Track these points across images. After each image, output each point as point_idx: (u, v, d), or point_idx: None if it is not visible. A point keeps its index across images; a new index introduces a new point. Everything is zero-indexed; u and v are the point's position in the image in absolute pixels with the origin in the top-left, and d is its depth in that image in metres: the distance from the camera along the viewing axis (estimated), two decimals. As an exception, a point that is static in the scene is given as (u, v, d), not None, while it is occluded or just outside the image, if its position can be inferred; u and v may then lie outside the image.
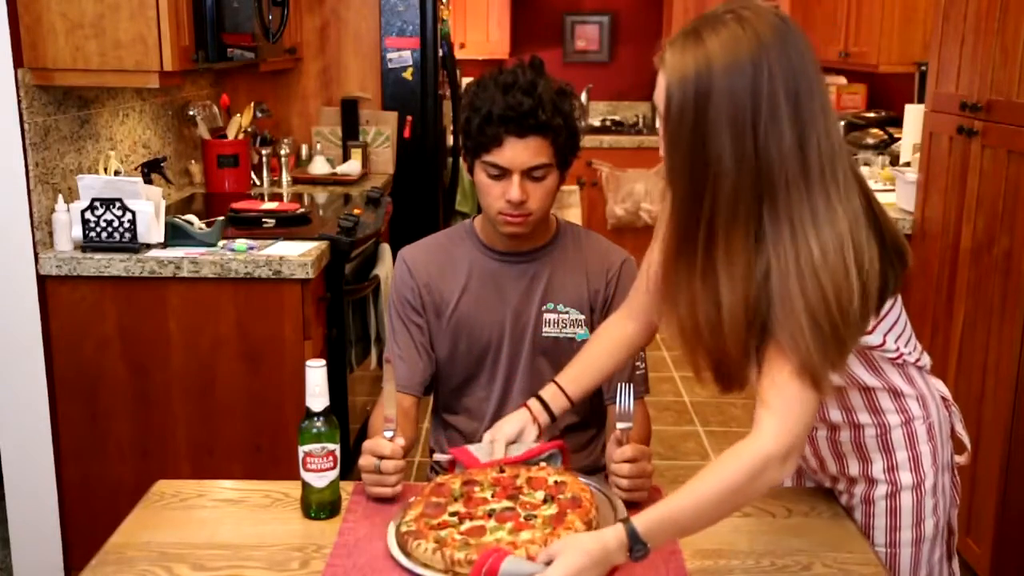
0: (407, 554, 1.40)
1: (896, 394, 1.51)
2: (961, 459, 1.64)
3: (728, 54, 1.24)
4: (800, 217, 1.26)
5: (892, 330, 1.47)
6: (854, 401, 1.52)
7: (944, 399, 1.60)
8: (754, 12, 1.27)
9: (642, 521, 1.29)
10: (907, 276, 1.39)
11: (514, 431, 1.65)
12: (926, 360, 1.56)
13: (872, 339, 1.43)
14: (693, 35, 1.27)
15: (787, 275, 1.26)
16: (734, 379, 1.39)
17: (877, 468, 1.54)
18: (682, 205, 1.31)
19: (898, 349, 1.48)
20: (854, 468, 1.57)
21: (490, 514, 1.46)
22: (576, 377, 1.70)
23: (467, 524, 1.44)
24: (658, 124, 1.33)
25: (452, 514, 1.47)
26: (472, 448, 1.67)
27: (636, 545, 1.28)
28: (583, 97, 6.18)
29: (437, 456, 1.86)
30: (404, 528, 1.44)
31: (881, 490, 1.55)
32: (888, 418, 1.52)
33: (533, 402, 1.69)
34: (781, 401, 1.30)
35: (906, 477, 1.53)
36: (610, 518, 1.46)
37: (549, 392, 1.68)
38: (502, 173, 1.74)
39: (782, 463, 1.29)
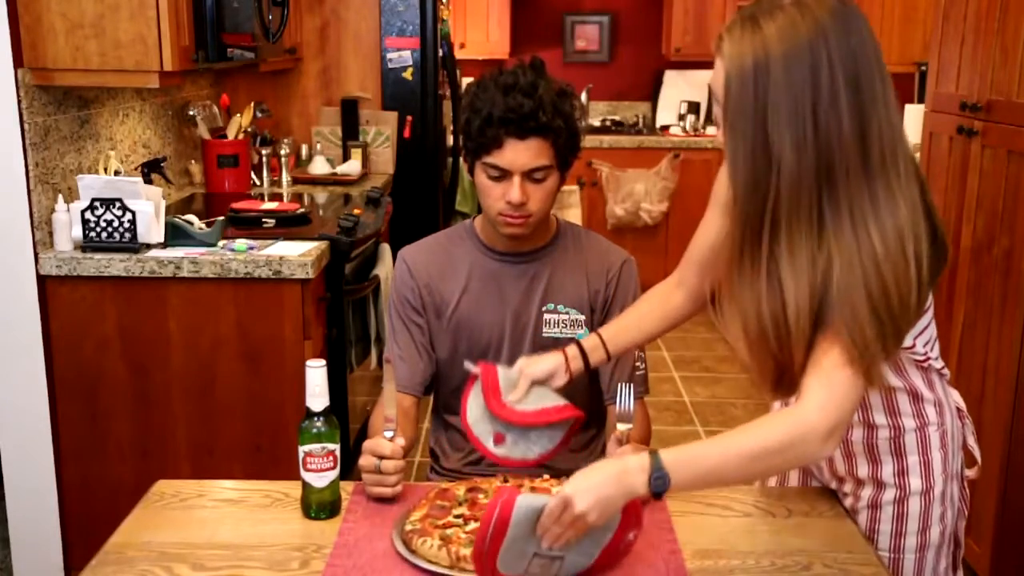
0: (412, 551, 1.40)
1: (916, 397, 1.49)
2: (971, 473, 1.61)
3: (786, 40, 1.23)
4: (861, 207, 1.26)
5: (923, 333, 1.45)
6: (872, 400, 1.50)
7: (959, 410, 1.59)
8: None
9: (668, 452, 1.28)
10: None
11: (544, 372, 1.64)
12: (946, 369, 1.55)
13: (904, 340, 1.38)
14: (750, 21, 1.27)
15: (849, 266, 1.25)
16: (795, 385, 1.34)
17: (887, 471, 1.52)
18: (744, 196, 1.29)
19: (926, 353, 1.47)
20: (863, 470, 1.55)
21: None
22: (617, 333, 1.69)
23: (472, 525, 1.44)
24: (716, 110, 1.33)
25: (457, 516, 1.47)
26: (500, 372, 1.66)
27: (657, 471, 1.25)
28: (583, 97, 6.18)
29: (467, 365, 1.72)
30: (408, 527, 1.44)
31: (889, 495, 1.52)
32: (904, 421, 1.50)
33: (572, 348, 1.66)
34: (830, 381, 1.28)
35: (916, 483, 1.51)
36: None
37: (591, 343, 1.67)
38: (502, 174, 1.74)
39: (824, 440, 1.27)
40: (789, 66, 1.23)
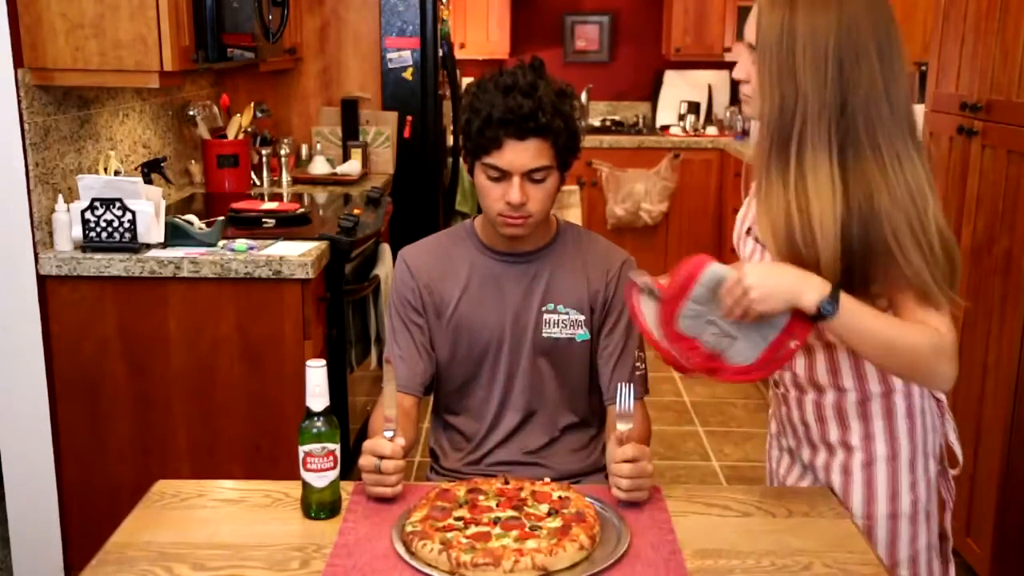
0: (412, 554, 1.40)
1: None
2: (953, 471, 1.68)
3: (815, 8, 1.44)
4: (890, 155, 1.44)
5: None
6: (841, 364, 1.60)
7: (939, 402, 1.66)
8: None
9: (846, 294, 1.42)
10: None
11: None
12: None
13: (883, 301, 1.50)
14: None
15: (889, 204, 1.42)
16: (922, 281, 1.46)
17: (855, 435, 1.61)
18: (773, 119, 1.48)
19: None
20: (834, 434, 1.63)
21: (495, 522, 1.46)
22: None
23: (472, 529, 1.44)
24: (742, 50, 1.56)
25: (457, 519, 1.47)
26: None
27: (832, 297, 1.40)
28: (583, 97, 6.18)
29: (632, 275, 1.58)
30: (409, 528, 1.44)
31: (858, 459, 1.61)
32: (870, 386, 1.60)
33: None
34: (931, 316, 1.45)
35: (881, 448, 1.60)
36: (613, 536, 1.46)
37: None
38: (502, 175, 1.74)
39: (952, 358, 1.45)
40: (815, 21, 1.44)
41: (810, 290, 1.41)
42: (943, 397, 1.67)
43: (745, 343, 1.47)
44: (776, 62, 1.46)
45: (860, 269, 1.45)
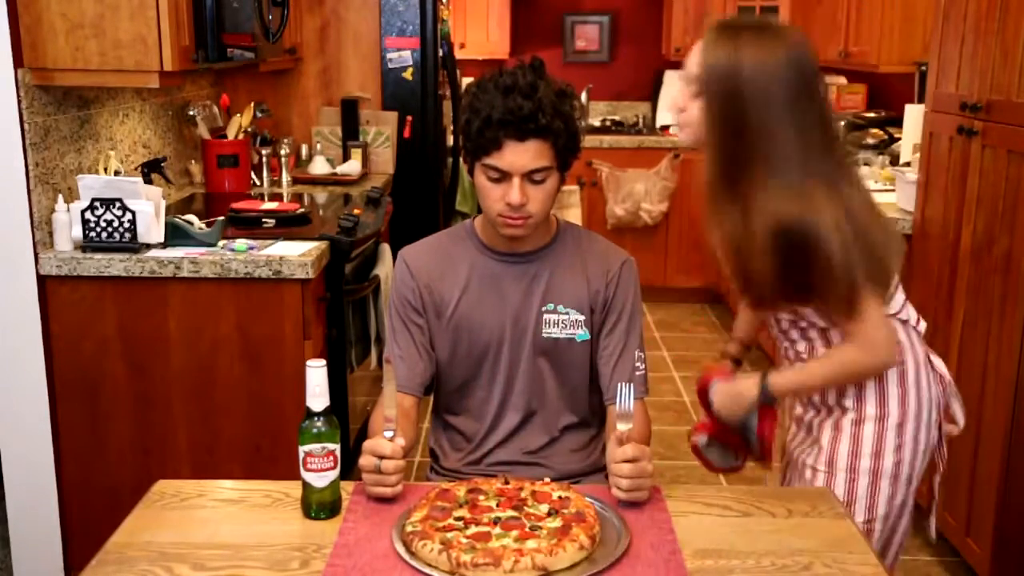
0: (412, 554, 1.40)
1: None
2: (952, 429, 1.86)
3: (763, 49, 1.61)
4: (822, 181, 1.61)
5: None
6: (835, 339, 1.76)
7: (942, 377, 1.82)
8: (783, 27, 1.68)
9: (772, 372, 1.75)
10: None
11: None
12: (921, 325, 1.81)
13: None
14: (731, 31, 1.65)
15: (820, 225, 1.58)
16: (764, 299, 1.72)
17: (849, 398, 1.78)
18: (718, 148, 1.65)
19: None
20: (831, 397, 1.80)
21: (495, 522, 1.46)
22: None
23: (472, 529, 1.44)
24: (679, 81, 1.73)
25: (457, 519, 1.47)
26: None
27: (763, 380, 1.74)
28: (583, 97, 6.18)
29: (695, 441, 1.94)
30: (409, 528, 1.44)
31: (849, 417, 1.77)
32: None
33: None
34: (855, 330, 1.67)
35: (871, 409, 1.76)
36: (613, 536, 1.46)
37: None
38: (502, 176, 1.74)
39: (878, 350, 1.68)
40: (760, 52, 1.61)
41: (749, 390, 1.77)
42: (946, 372, 1.82)
43: (719, 458, 1.93)
44: (721, 95, 1.63)
45: (796, 282, 1.64)
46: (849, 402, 1.77)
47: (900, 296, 1.79)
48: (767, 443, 1.81)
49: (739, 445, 1.87)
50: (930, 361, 1.82)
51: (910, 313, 1.81)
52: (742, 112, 1.60)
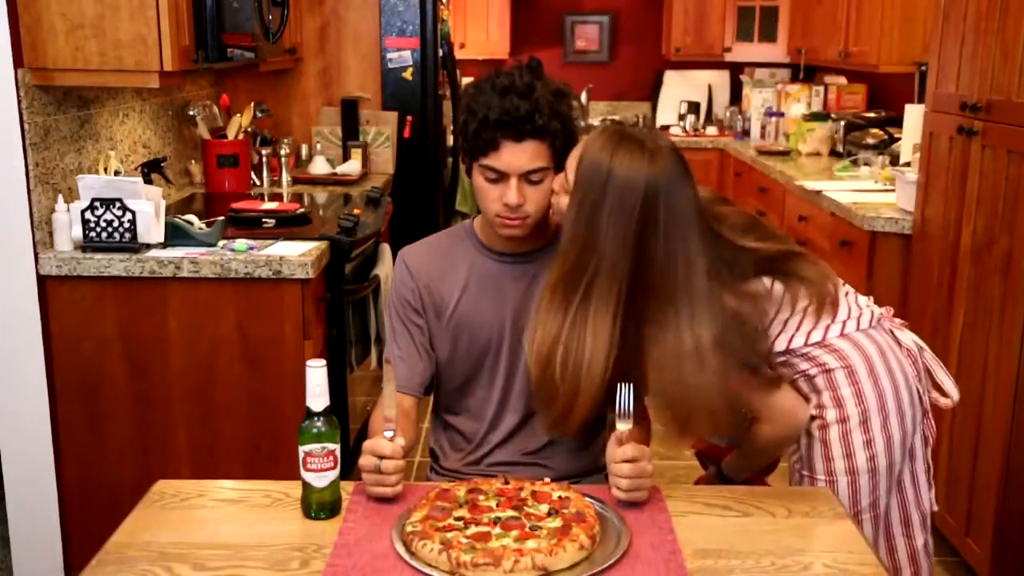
0: (412, 554, 1.40)
1: (806, 357, 1.81)
2: (944, 402, 1.89)
3: (632, 172, 1.57)
4: (665, 315, 1.59)
5: (790, 335, 1.80)
6: (790, 361, 1.83)
7: (909, 351, 1.86)
8: (666, 150, 1.61)
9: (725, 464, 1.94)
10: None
11: None
12: (865, 318, 1.84)
13: (779, 346, 1.80)
14: (616, 137, 1.61)
15: (675, 357, 1.59)
16: (562, 423, 1.68)
17: (811, 405, 1.83)
18: (570, 256, 1.61)
19: (793, 346, 1.81)
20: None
21: (495, 522, 1.46)
22: None
23: (472, 529, 1.44)
24: (569, 166, 1.67)
25: (457, 519, 1.47)
26: None
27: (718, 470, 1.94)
28: (583, 97, 6.18)
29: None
30: (409, 528, 1.44)
31: (815, 424, 1.82)
32: (809, 369, 1.82)
33: None
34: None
35: (831, 413, 1.81)
36: (613, 536, 1.46)
37: None
38: (499, 177, 1.74)
39: (785, 425, 1.78)
40: (625, 193, 1.56)
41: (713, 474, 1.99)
42: (914, 346, 1.87)
43: None
44: (585, 206, 1.59)
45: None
46: (813, 412, 1.83)
47: (843, 307, 1.83)
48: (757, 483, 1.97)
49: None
50: (897, 341, 1.86)
51: (854, 314, 1.84)
52: (595, 219, 1.57)
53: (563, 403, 1.65)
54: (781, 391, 1.76)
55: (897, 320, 1.92)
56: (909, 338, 1.89)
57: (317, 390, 1.52)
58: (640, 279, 1.59)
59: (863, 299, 1.90)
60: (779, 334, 1.79)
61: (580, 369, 1.60)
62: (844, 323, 1.82)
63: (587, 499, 1.54)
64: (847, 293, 1.88)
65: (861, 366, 1.80)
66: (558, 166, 1.76)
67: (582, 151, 1.63)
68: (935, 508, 1.91)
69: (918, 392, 1.85)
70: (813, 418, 1.83)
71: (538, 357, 1.64)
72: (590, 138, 1.64)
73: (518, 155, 1.71)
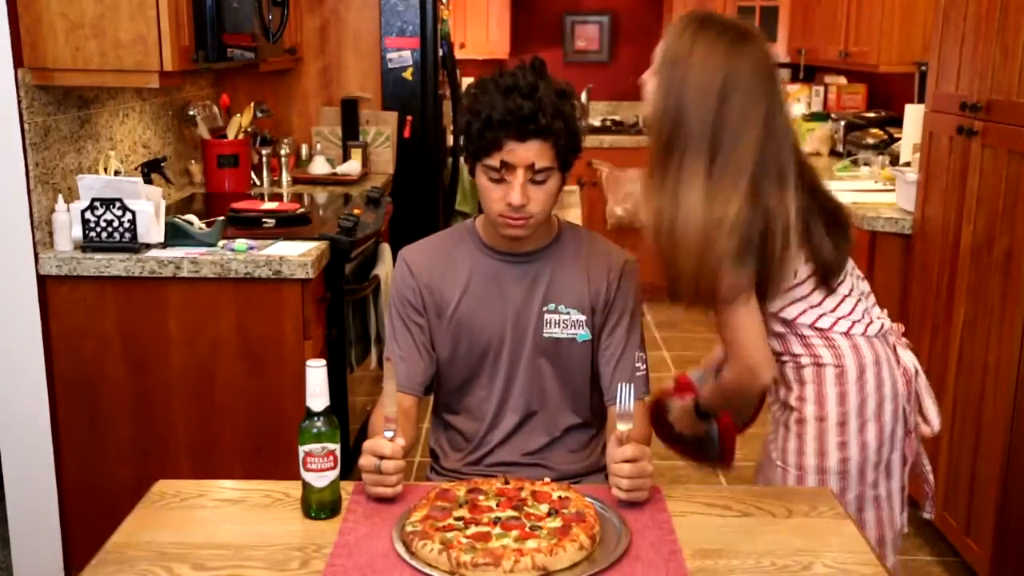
0: (412, 554, 1.40)
1: (803, 339, 1.83)
2: (925, 429, 1.90)
3: (709, 52, 1.67)
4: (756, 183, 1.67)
5: (800, 307, 1.81)
6: (789, 337, 1.84)
7: (906, 369, 1.86)
8: (750, 34, 1.71)
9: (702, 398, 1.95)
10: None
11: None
12: (873, 327, 1.84)
13: (774, 306, 1.81)
14: (696, 24, 1.71)
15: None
16: (677, 292, 1.76)
17: (792, 396, 1.85)
18: (659, 132, 1.72)
19: (801, 320, 1.82)
20: (783, 392, 1.89)
21: (495, 522, 1.46)
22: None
23: (472, 529, 1.44)
24: (648, 73, 1.78)
25: (457, 519, 1.47)
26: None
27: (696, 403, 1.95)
28: (583, 97, 6.17)
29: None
30: (409, 528, 1.44)
31: (794, 417, 1.85)
32: (802, 356, 1.84)
33: None
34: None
35: (810, 409, 1.82)
36: (613, 536, 1.46)
37: None
38: (503, 176, 1.73)
39: (748, 367, 1.76)
40: (704, 80, 1.67)
41: (687, 406, 1.97)
42: (911, 367, 1.87)
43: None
44: (669, 83, 1.70)
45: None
46: (794, 402, 1.85)
47: (859, 310, 1.84)
48: (728, 448, 2.00)
49: (695, 457, 2.10)
50: (897, 358, 1.86)
51: (865, 319, 1.85)
52: (679, 100, 1.68)
53: (673, 271, 1.74)
54: (751, 334, 1.75)
55: (904, 340, 1.92)
56: (910, 359, 1.88)
57: (317, 390, 1.52)
58: (715, 152, 1.68)
59: (878, 310, 1.90)
60: (794, 303, 1.81)
61: (677, 240, 1.69)
62: (854, 323, 1.82)
63: (587, 499, 1.54)
64: (866, 296, 1.89)
65: (852, 369, 1.81)
66: (561, 166, 1.76)
67: (665, 37, 1.74)
68: (905, 529, 1.92)
69: (904, 410, 1.85)
70: (792, 409, 1.85)
71: (653, 232, 1.74)
72: (674, 25, 1.74)
73: (522, 155, 1.71)
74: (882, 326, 1.86)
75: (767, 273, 1.72)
